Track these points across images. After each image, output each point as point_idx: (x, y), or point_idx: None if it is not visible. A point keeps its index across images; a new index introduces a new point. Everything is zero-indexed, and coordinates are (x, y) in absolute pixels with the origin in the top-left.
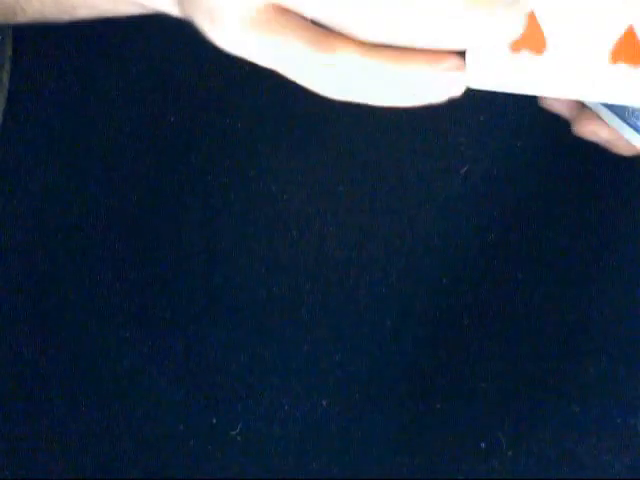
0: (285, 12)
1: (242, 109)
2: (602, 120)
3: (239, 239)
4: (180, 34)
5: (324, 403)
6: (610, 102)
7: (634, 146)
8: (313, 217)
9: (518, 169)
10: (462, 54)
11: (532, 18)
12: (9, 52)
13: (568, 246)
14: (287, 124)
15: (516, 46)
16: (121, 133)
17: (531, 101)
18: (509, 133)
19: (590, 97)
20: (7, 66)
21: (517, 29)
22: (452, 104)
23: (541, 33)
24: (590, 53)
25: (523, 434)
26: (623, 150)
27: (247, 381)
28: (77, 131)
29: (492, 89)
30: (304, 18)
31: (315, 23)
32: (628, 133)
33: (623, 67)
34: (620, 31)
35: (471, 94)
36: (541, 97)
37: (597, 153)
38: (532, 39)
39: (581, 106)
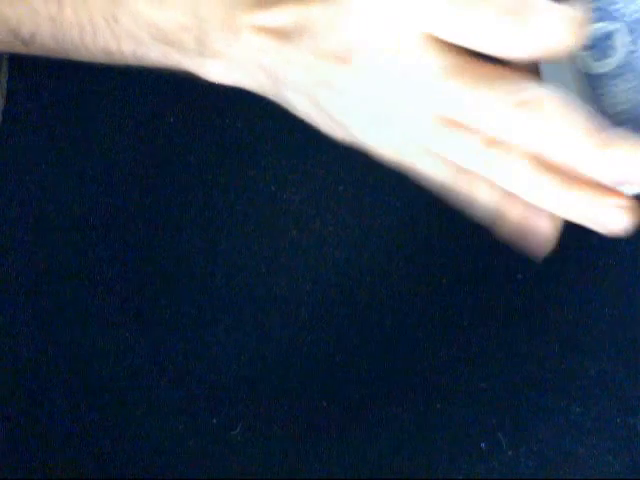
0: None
1: (242, 109)
2: None
3: (239, 239)
4: None
5: (324, 403)
6: None
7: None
8: (313, 217)
9: None
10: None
11: None
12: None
13: (568, 246)
14: (287, 124)
15: None
16: (121, 133)
17: None
18: None
19: None
20: (5, 67)
21: None
22: None
23: None
24: None
25: (523, 434)
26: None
27: (247, 381)
28: (77, 131)
29: None
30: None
31: None
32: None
33: None
34: None
35: None
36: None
37: None
38: None
39: None
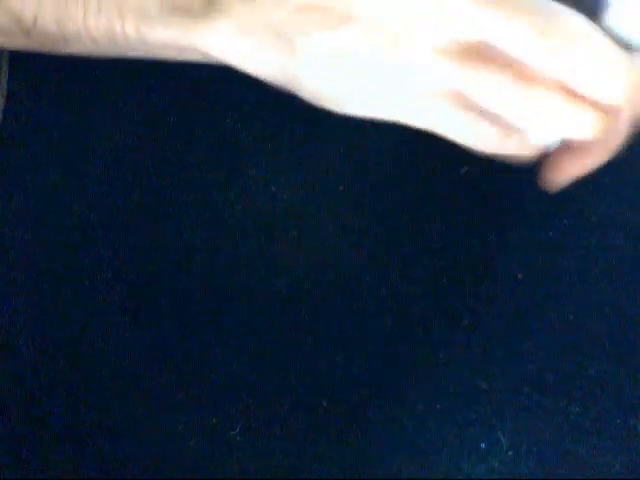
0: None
1: (242, 109)
2: None
3: (239, 239)
4: None
5: (324, 403)
6: None
7: None
8: (313, 217)
9: (517, 169)
10: None
11: None
12: (7, 52)
13: (568, 246)
14: (287, 124)
15: None
16: (121, 133)
17: None
18: None
19: None
20: (6, 67)
21: None
22: None
23: None
24: None
25: (523, 434)
26: None
27: (247, 381)
28: (77, 131)
29: None
30: None
31: None
32: None
33: None
34: None
35: None
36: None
37: None
38: None
39: None
